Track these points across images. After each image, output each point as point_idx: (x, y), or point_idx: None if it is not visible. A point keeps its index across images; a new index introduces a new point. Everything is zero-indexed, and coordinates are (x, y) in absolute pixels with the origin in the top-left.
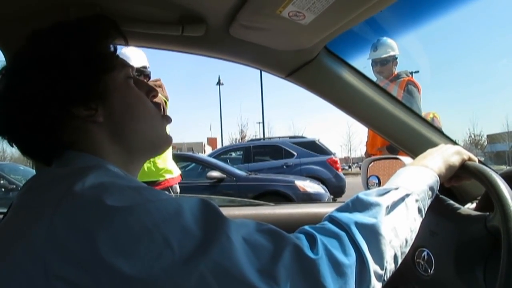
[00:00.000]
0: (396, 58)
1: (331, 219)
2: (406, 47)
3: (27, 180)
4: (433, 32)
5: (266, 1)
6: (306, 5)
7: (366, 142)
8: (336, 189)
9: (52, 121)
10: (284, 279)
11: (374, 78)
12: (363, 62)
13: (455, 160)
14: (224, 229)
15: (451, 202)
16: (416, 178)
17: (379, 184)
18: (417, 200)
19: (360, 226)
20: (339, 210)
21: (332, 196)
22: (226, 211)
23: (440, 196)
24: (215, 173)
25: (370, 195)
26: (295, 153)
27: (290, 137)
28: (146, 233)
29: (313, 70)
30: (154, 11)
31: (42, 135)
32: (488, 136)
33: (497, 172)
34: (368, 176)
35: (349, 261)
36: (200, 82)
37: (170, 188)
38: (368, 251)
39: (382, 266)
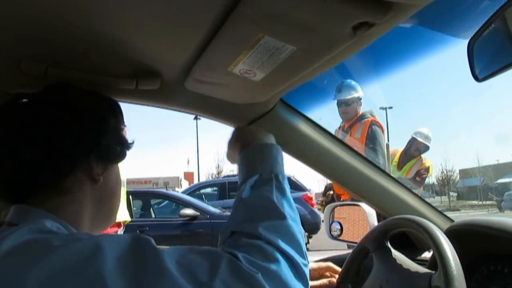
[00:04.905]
0: (360, 99)
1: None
2: (378, 84)
3: None
4: (402, 74)
5: (217, 59)
6: (255, 64)
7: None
8: (311, 226)
9: (73, 162)
10: None
11: (333, 127)
12: (319, 112)
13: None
14: (157, 261)
15: (403, 257)
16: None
17: (341, 230)
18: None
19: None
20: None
21: (307, 234)
22: None
23: (393, 250)
24: (188, 211)
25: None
26: None
27: None
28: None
29: (270, 122)
30: (107, 65)
31: (54, 170)
32: (460, 171)
33: (452, 222)
34: (331, 222)
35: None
36: (178, 116)
37: None
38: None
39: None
